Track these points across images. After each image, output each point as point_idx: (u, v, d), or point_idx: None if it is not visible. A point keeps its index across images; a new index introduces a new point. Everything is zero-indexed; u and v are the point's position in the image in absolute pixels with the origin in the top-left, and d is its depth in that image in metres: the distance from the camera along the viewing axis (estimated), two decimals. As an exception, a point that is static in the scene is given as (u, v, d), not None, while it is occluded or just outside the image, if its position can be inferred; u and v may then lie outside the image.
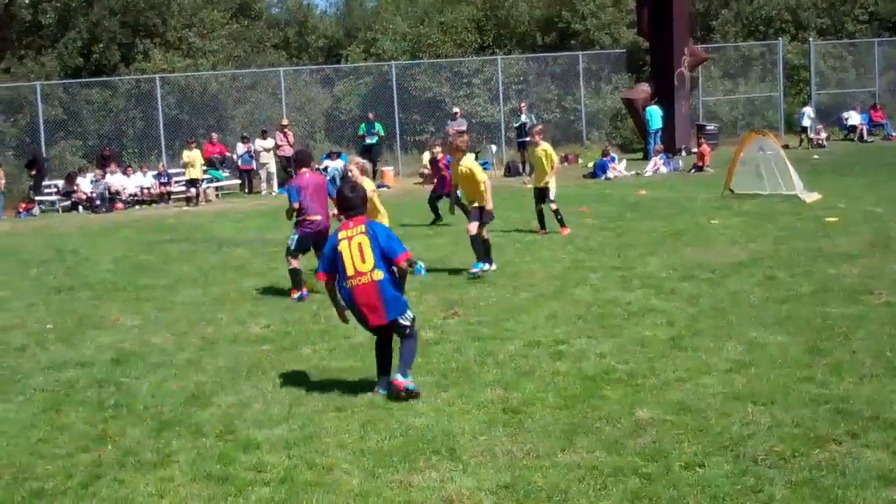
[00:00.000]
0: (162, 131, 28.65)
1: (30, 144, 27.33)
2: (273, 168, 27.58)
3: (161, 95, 28.84)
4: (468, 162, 11.61)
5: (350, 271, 6.71)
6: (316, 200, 10.84)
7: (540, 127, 15.34)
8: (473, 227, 11.45)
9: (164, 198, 26.29)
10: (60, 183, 26.42)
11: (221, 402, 6.94)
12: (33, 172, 25.97)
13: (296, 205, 10.79)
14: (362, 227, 6.81)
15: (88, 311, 10.80)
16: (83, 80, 30.50)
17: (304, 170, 11.23)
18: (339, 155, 27.77)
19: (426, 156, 28.04)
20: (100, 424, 6.57)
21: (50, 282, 13.01)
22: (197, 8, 34.85)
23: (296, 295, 10.76)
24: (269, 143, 27.53)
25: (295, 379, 7.45)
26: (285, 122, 28.31)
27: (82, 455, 6.00)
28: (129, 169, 26.96)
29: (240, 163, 27.94)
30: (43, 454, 6.06)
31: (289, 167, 27.66)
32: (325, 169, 26.93)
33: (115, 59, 32.23)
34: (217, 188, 27.41)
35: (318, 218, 10.81)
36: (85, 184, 25.92)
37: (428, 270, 11.62)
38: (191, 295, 11.47)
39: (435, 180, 17.80)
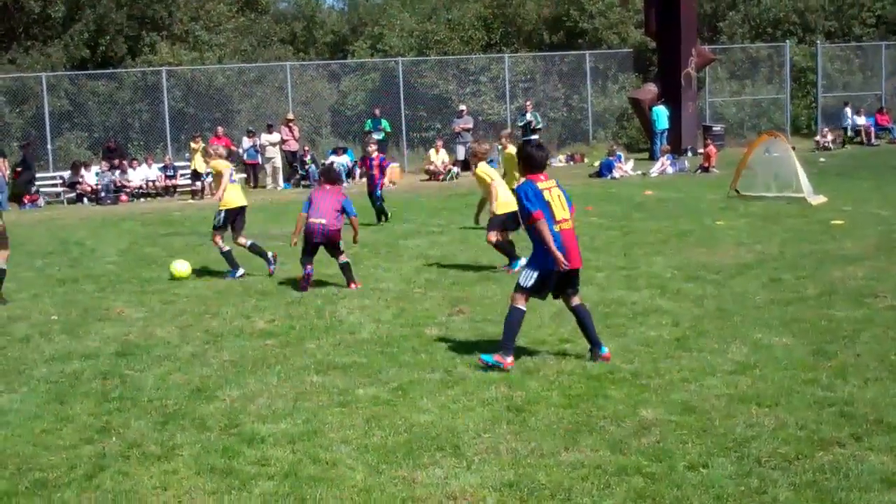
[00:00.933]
0: (168, 124, 28.64)
1: (22, 145, 27.17)
2: (279, 163, 27.57)
3: (167, 88, 28.83)
4: (479, 169, 11.69)
5: (559, 216, 7.30)
6: (321, 207, 10.95)
7: (508, 131, 15.39)
8: (492, 237, 11.59)
9: (169, 191, 26.30)
10: (66, 174, 26.42)
11: (226, 395, 6.95)
12: (19, 170, 25.73)
13: (303, 215, 11.06)
14: (554, 182, 7.49)
15: (93, 303, 10.81)
16: (89, 71, 30.50)
17: (324, 185, 11.39)
18: (345, 151, 27.76)
19: (432, 153, 28.14)
20: (104, 416, 6.57)
21: (55, 273, 13.02)
22: (203, 1, 34.85)
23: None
24: (275, 137, 27.51)
25: (299, 374, 7.45)
26: (291, 116, 28.29)
27: (86, 447, 6.00)
28: (135, 161, 26.97)
29: (245, 157, 27.91)
30: (47, 445, 6.06)
31: (294, 162, 27.70)
32: (332, 164, 26.91)
33: (122, 52, 32.25)
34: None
35: (321, 221, 10.86)
36: (90, 176, 25.94)
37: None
38: (195, 288, 11.47)
39: (365, 179, 17.72)
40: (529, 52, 35.02)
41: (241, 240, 12.25)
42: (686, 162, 26.58)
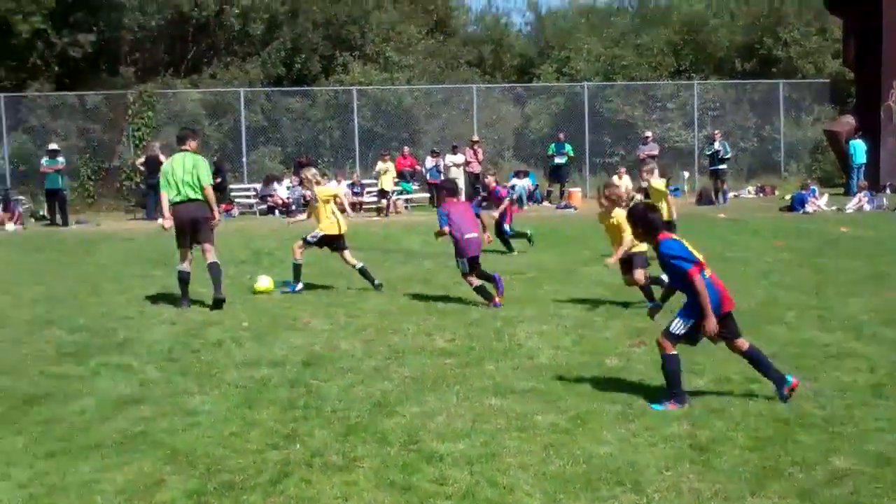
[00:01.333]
0: (357, 142, 29.49)
1: (215, 154, 28.49)
2: (462, 184, 27.90)
3: (357, 107, 29.71)
4: (619, 215, 11.20)
5: (704, 262, 7.13)
6: (467, 221, 11.51)
7: (650, 166, 15.02)
8: (641, 276, 11.13)
9: (355, 207, 27.01)
10: (259, 186, 27.55)
11: (406, 411, 7.02)
12: (218, 180, 26.95)
13: (445, 229, 11.53)
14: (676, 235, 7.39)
15: (281, 313, 11.19)
16: (284, 88, 31.79)
17: (451, 199, 11.88)
18: (526, 174, 27.87)
19: (615, 179, 27.84)
20: (290, 424, 6.75)
21: (246, 281, 13.53)
22: (395, 23, 35.80)
23: (498, 300, 11.36)
24: (459, 158, 27.88)
25: (478, 395, 7.46)
26: (476, 138, 28.60)
27: (272, 452, 6.18)
28: (325, 177, 27.84)
29: (428, 177, 28.40)
30: (235, 448, 6.27)
31: (477, 184, 27.96)
32: (513, 187, 27.07)
33: (316, 70, 33.49)
34: (406, 201, 27.96)
35: (474, 235, 11.43)
36: (281, 189, 26.98)
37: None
38: (378, 304, 11.72)
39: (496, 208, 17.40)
40: (720, 80, 34.28)
41: (352, 260, 12.89)
42: (885, 199, 25.34)
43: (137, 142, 29.12)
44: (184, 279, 11.64)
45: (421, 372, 8.22)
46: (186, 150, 11.68)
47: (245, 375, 8.19)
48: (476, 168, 27.94)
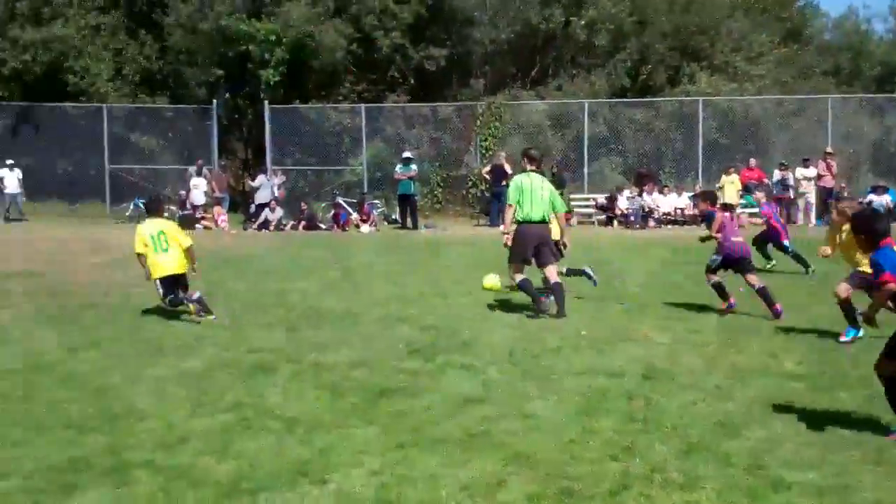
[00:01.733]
0: (700, 154, 28.85)
1: (555, 166, 28.62)
2: (812, 198, 26.56)
3: (702, 118, 29.05)
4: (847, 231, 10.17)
5: None
6: (734, 227, 12.02)
7: None
8: (842, 290, 10.10)
9: (696, 220, 26.41)
10: (599, 197, 27.69)
11: (750, 434, 6.72)
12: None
13: (718, 216, 12.05)
14: None
15: (619, 323, 11.14)
16: (628, 100, 31.71)
17: (716, 208, 12.42)
18: (885, 189, 26.01)
19: None
20: (629, 436, 6.67)
21: (590, 292, 13.42)
22: (746, 32, 34.69)
23: (725, 306, 11.87)
24: (811, 171, 26.50)
25: (829, 423, 6.99)
26: (830, 150, 27.06)
27: (611, 463, 6.13)
28: (666, 188, 27.51)
29: (774, 191, 27.21)
30: (574, 455, 6.28)
31: (828, 199, 26.43)
32: (870, 203, 25.35)
33: (661, 81, 33.13)
34: (750, 214, 26.94)
35: (740, 240, 11.95)
36: (621, 200, 26.95)
37: None
38: (720, 320, 11.39)
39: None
40: None
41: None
42: None
43: (484, 151, 30.23)
44: (527, 287, 11.79)
45: (766, 394, 7.84)
46: (537, 171, 11.92)
47: (583, 383, 8.20)
48: (829, 182, 26.43)
